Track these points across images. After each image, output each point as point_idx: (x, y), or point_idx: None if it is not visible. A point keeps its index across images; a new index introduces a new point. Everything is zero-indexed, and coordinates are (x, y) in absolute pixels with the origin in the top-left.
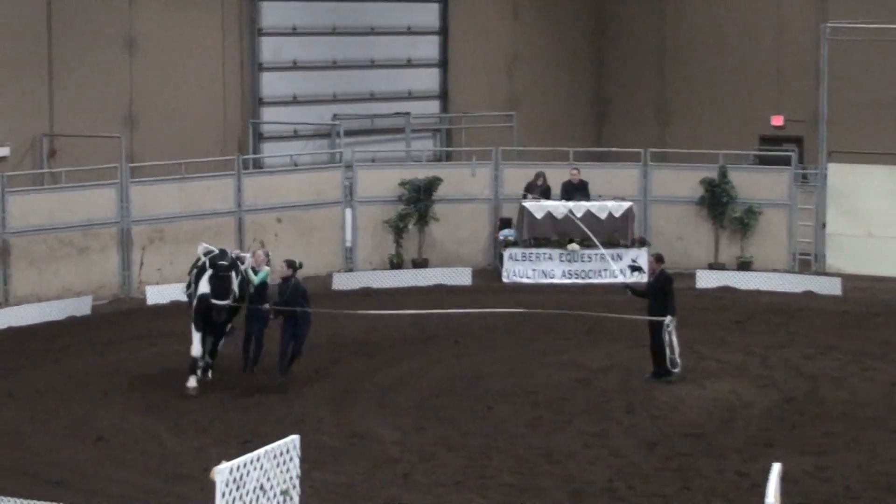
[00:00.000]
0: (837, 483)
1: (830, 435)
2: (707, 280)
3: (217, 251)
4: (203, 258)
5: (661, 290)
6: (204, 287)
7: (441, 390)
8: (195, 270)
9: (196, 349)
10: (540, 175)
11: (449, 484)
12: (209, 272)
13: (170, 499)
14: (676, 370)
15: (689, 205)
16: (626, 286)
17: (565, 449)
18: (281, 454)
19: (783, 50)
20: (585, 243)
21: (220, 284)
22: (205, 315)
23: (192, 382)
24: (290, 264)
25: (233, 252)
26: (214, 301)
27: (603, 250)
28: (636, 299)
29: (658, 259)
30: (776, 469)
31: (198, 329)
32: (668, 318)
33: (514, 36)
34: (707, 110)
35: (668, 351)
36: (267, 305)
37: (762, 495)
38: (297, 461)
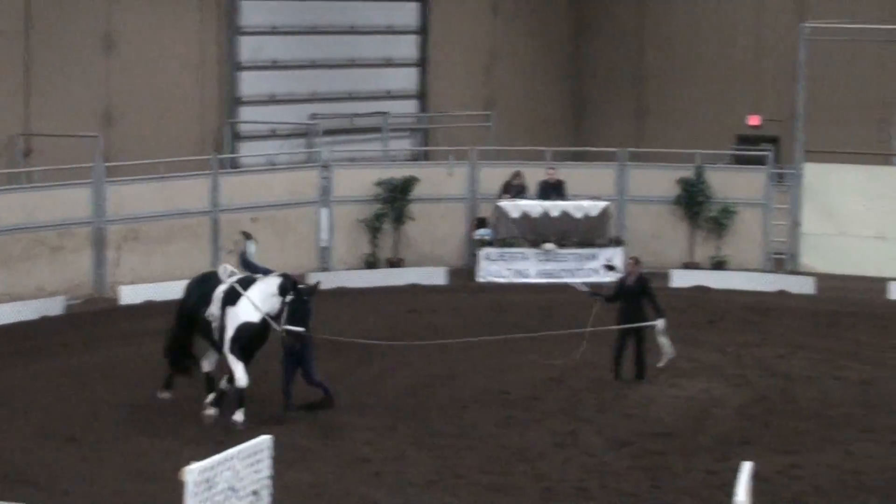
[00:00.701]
0: (808, 482)
1: (802, 434)
2: (682, 279)
3: (253, 274)
4: (230, 281)
5: (641, 293)
6: (250, 314)
7: (413, 390)
8: (222, 294)
9: (244, 379)
10: (517, 174)
11: (420, 483)
12: (286, 298)
13: (141, 499)
14: (661, 364)
15: (665, 204)
16: (595, 295)
17: (537, 448)
18: (253, 454)
19: (761, 50)
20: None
21: (300, 310)
22: (248, 344)
23: (239, 416)
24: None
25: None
26: (290, 328)
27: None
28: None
29: (636, 262)
30: (747, 468)
31: (240, 359)
32: (660, 322)
33: (492, 35)
34: (684, 110)
35: (666, 352)
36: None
37: (732, 494)
38: (268, 461)
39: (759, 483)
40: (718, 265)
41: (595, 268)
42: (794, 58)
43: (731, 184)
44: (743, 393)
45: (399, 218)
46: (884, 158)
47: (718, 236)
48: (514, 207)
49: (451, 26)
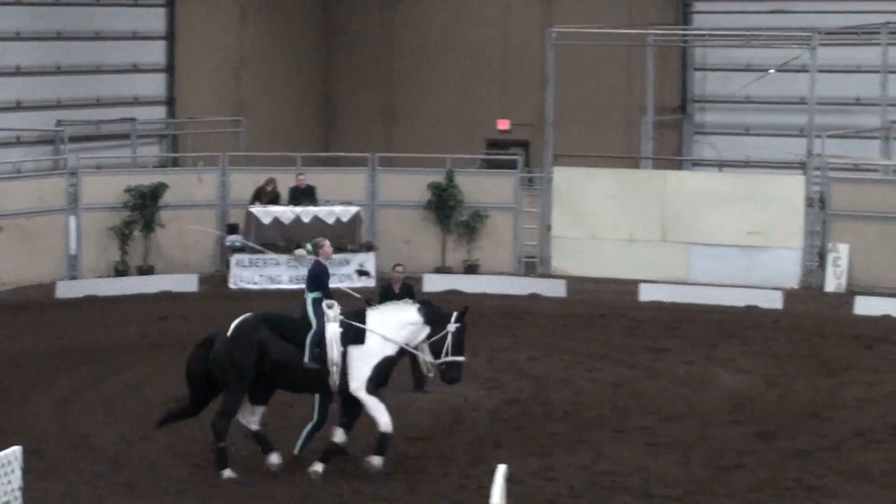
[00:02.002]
0: (562, 483)
1: (555, 435)
2: (434, 284)
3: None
4: (337, 318)
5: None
6: (387, 349)
7: (167, 398)
8: (339, 335)
9: (390, 423)
10: (270, 181)
11: (174, 492)
12: (452, 327)
13: None
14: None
15: (417, 209)
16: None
17: (288, 456)
18: (3, 466)
19: (510, 54)
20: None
21: (461, 339)
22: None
23: (378, 461)
24: None
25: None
26: (454, 359)
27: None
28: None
29: (398, 268)
30: (502, 470)
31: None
32: None
33: (241, 41)
34: (435, 115)
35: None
36: None
37: (488, 497)
38: (18, 472)
39: (514, 485)
40: (470, 269)
41: (348, 273)
42: (542, 62)
43: (482, 188)
44: (497, 396)
45: (149, 225)
46: (632, 161)
47: (470, 240)
48: (266, 213)
49: (199, 31)
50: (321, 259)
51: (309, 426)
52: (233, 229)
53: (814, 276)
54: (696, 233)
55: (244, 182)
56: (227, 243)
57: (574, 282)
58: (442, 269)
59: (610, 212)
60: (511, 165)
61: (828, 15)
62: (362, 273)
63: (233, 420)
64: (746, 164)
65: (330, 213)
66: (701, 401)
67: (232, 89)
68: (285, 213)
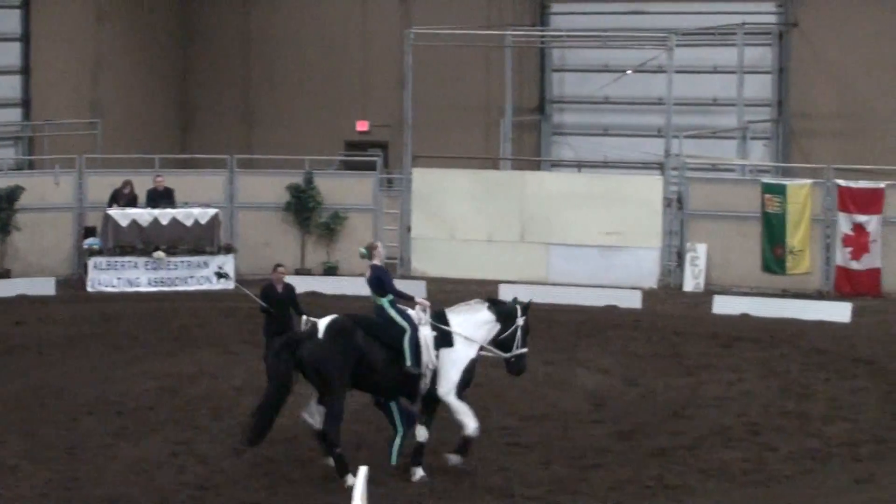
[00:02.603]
0: (421, 484)
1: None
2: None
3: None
4: (428, 321)
5: (289, 301)
6: (471, 350)
7: (23, 402)
8: (432, 339)
9: (477, 426)
10: (127, 183)
11: (33, 497)
12: (520, 321)
13: None
14: None
15: (276, 211)
16: (265, 308)
17: (153, 458)
18: None
19: (368, 55)
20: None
21: (526, 331)
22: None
23: (457, 459)
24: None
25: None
26: (520, 351)
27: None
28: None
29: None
30: (363, 472)
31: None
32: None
33: (97, 42)
34: (293, 116)
35: None
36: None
37: (350, 499)
38: None
39: (376, 487)
40: (330, 271)
41: (207, 275)
42: (401, 64)
43: (341, 190)
44: (357, 398)
45: (4, 228)
46: (491, 162)
47: (329, 242)
48: (124, 216)
49: (54, 33)
50: (376, 262)
51: (397, 439)
52: (90, 232)
53: (672, 276)
54: (555, 233)
55: (101, 184)
56: (85, 245)
57: (434, 283)
58: (301, 271)
59: (469, 213)
60: (370, 167)
61: (685, 16)
62: (221, 275)
63: (341, 423)
64: (605, 165)
65: (188, 215)
66: (562, 401)
67: (89, 91)
68: (143, 215)
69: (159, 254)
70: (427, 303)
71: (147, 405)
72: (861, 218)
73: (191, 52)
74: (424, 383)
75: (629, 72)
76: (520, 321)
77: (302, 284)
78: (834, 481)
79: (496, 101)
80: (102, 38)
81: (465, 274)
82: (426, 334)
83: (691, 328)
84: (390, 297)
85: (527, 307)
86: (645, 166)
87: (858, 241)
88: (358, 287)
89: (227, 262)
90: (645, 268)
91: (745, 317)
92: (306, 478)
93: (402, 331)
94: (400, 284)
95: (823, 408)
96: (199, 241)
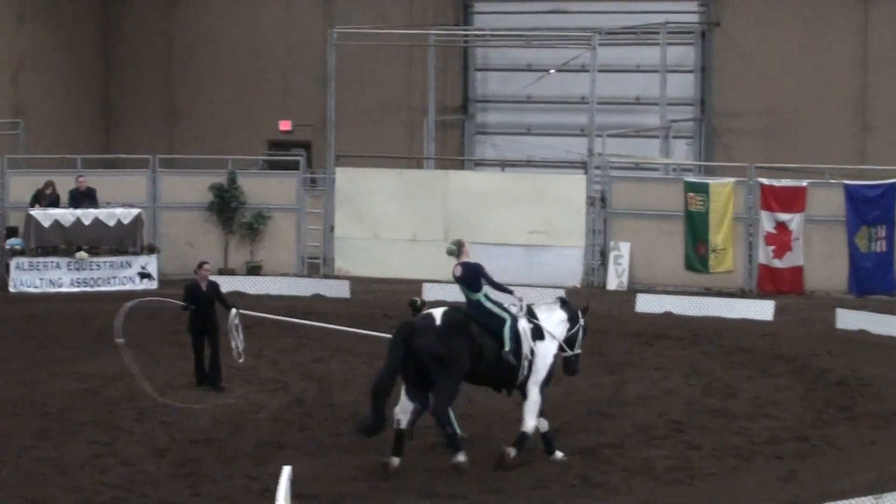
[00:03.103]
0: (346, 484)
1: (339, 437)
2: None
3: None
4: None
5: (214, 297)
6: (554, 347)
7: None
8: (530, 331)
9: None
10: (49, 184)
11: None
12: (582, 319)
13: None
14: (241, 360)
15: (199, 210)
16: (186, 307)
17: (75, 460)
18: None
19: (291, 55)
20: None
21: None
22: None
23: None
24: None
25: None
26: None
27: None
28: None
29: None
30: (286, 472)
31: None
32: (234, 311)
33: (18, 42)
34: (216, 115)
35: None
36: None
37: (273, 499)
38: None
39: (299, 487)
40: (253, 271)
41: (130, 276)
42: (324, 63)
43: (264, 189)
44: (280, 398)
45: None
46: (415, 161)
47: (253, 242)
48: (46, 216)
49: None
50: (465, 259)
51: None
52: (12, 233)
53: (596, 275)
54: (478, 232)
55: (23, 185)
56: (7, 246)
57: (358, 282)
58: (225, 271)
59: (393, 212)
60: (293, 166)
61: (607, 15)
62: (144, 276)
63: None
64: (528, 164)
65: (111, 215)
66: (485, 400)
67: (10, 92)
68: (65, 215)
69: (82, 254)
70: (522, 298)
71: (69, 406)
72: (784, 216)
73: (113, 53)
74: (522, 374)
75: (552, 71)
76: (581, 322)
77: (226, 284)
78: (757, 479)
79: (420, 100)
80: (24, 38)
81: (389, 273)
82: (524, 326)
83: (615, 327)
84: (485, 291)
85: (585, 309)
86: (568, 165)
87: (781, 240)
88: (280, 286)
89: (151, 263)
90: (568, 267)
91: (668, 315)
92: (229, 477)
93: (503, 321)
94: (324, 284)
95: (746, 406)
96: (121, 241)
